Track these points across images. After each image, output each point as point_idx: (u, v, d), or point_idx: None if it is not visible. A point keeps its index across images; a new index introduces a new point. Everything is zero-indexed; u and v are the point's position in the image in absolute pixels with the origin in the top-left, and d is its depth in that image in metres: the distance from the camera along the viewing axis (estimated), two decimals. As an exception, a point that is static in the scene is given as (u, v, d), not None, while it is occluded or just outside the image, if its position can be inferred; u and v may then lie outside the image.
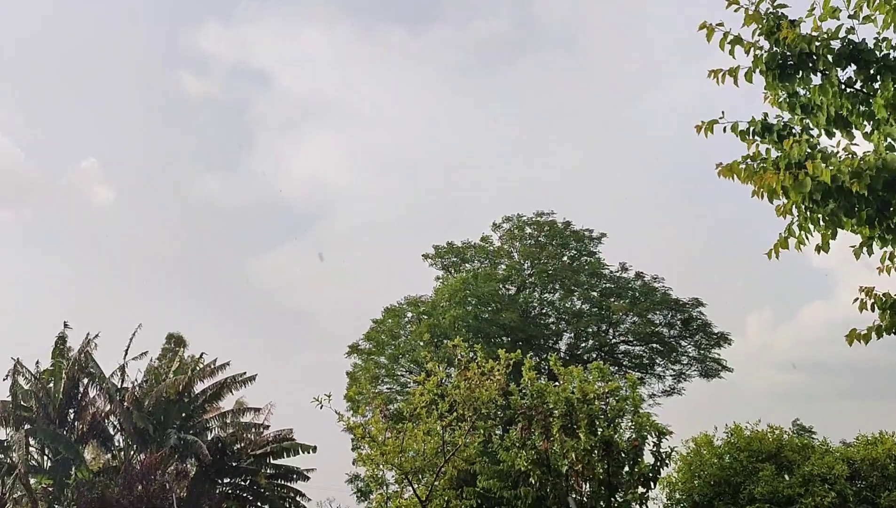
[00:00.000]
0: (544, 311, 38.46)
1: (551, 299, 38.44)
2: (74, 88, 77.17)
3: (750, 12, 7.59)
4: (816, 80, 7.57)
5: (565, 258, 38.97)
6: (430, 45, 77.38)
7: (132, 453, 34.15)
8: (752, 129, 8.01)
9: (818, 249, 7.74)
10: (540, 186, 64.88)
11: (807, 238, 7.68)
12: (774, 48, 7.51)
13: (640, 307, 37.06)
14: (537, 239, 39.12)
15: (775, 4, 7.62)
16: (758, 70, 7.61)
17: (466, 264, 39.34)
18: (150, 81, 78.29)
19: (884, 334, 8.10)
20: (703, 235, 62.81)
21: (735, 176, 7.70)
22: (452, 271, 39.39)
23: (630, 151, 69.93)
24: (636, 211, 64.55)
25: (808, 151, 7.34)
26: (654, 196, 67.16)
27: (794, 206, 7.43)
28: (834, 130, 7.65)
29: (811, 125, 7.83)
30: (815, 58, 7.40)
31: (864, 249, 7.91)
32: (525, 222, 39.45)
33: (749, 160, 7.72)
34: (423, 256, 40.04)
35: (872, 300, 8.09)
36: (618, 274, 38.55)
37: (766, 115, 8.09)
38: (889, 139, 7.38)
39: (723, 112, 8.01)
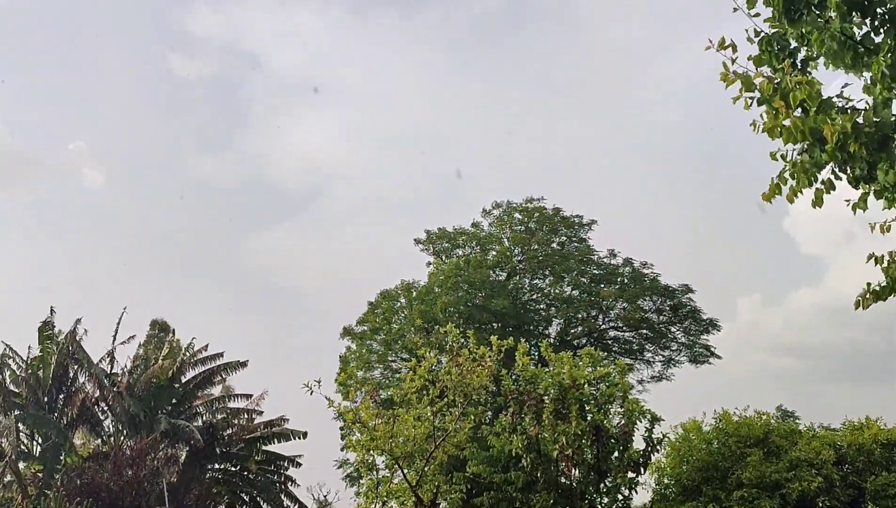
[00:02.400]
0: (535, 297, 38.57)
1: (541, 285, 38.56)
2: (63, 69, 76.52)
3: None
4: (822, 24, 7.40)
5: (555, 245, 39.06)
6: (423, 24, 77.03)
7: (122, 438, 34.12)
8: (761, 40, 7.71)
9: (813, 203, 7.63)
10: (532, 166, 64.89)
11: (801, 191, 7.56)
12: None
13: (629, 294, 37.20)
14: (527, 225, 39.19)
15: None
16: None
17: (458, 250, 39.40)
18: (140, 63, 77.74)
19: (882, 297, 8.11)
20: (693, 221, 62.96)
21: (742, 88, 7.37)
22: (444, 257, 39.43)
23: (622, 134, 69.95)
24: (627, 196, 64.70)
25: (810, 92, 7.16)
26: (645, 180, 67.27)
27: (789, 148, 7.33)
28: (836, 65, 7.51)
29: (819, 48, 7.54)
30: (822, 2, 7.27)
31: (860, 207, 7.80)
32: (515, 208, 39.51)
33: (749, 72, 7.42)
34: (414, 240, 40.11)
35: (889, 260, 8.01)
36: (607, 261, 38.67)
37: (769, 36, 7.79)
38: (887, 96, 7.26)
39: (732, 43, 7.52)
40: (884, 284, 8.20)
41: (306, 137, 74.94)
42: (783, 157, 7.40)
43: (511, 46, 73.98)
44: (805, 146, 7.15)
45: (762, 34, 7.72)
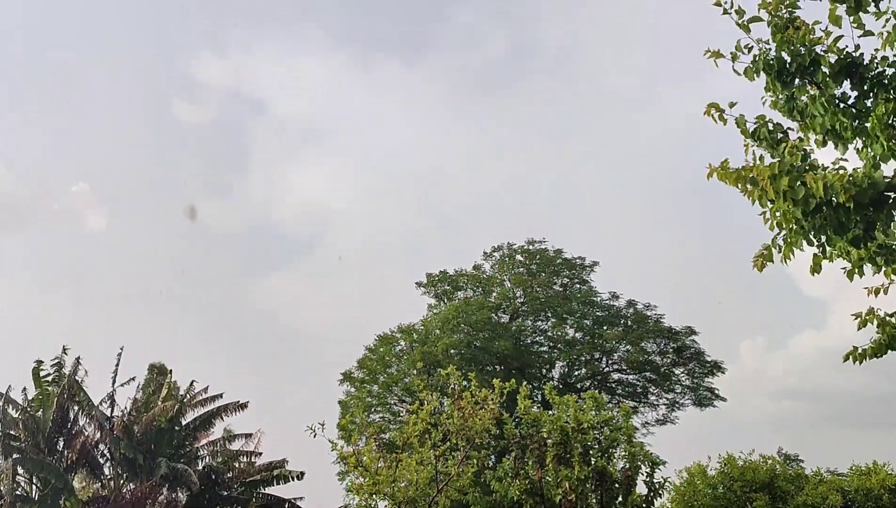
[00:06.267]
0: (537, 339, 38.47)
1: (544, 327, 38.47)
2: (67, 112, 77.27)
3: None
4: (814, 92, 7.59)
5: (557, 286, 39.05)
6: (425, 71, 77.93)
7: (122, 482, 33.80)
8: (758, 126, 7.89)
9: (812, 270, 7.69)
10: (534, 211, 65.13)
11: (792, 253, 7.60)
12: (780, 52, 7.53)
13: (632, 336, 37.08)
14: (529, 267, 39.23)
15: (787, 3, 7.62)
16: (759, 70, 7.62)
17: (459, 293, 39.39)
18: (144, 107, 78.47)
19: (877, 354, 8.14)
20: (696, 262, 62.98)
21: (727, 180, 7.52)
22: (445, 300, 39.41)
23: (623, 178, 70.31)
24: (629, 238, 64.79)
25: (801, 161, 7.29)
26: (647, 222, 67.43)
27: (783, 216, 7.41)
28: (828, 139, 7.66)
29: (808, 129, 7.77)
30: (812, 69, 7.43)
31: (857, 272, 7.88)
32: (516, 250, 39.59)
33: (743, 163, 7.58)
34: (416, 284, 40.14)
35: (877, 323, 8.11)
36: (609, 302, 38.63)
37: (763, 117, 7.99)
38: (877, 157, 7.37)
39: (730, 103, 7.81)
40: (879, 339, 8.23)
41: (308, 183, 75.45)
42: (778, 224, 7.47)
43: (512, 94, 74.83)
44: (797, 211, 7.21)
45: (757, 120, 7.88)
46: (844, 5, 7.37)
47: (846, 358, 8.35)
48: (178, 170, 77.22)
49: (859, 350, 8.36)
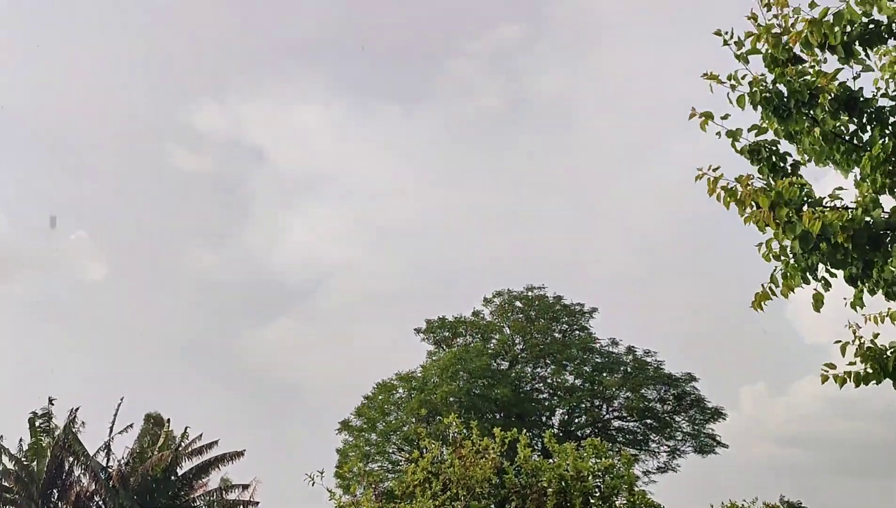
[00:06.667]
0: (537, 386, 38.25)
1: (543, 374, 38.28)
2: (66, 160, 77.76)
3: (765, 37, 7.56)
4: (810, 125, 7.54)
5: (556, 333, 38.96)
6: (423, 120, 78.65)
7: (116, 534, 33.28)
8: (752, 149, 7.82)
9: (814, 306, 7.57)
10: (532, 259, 65.15)
11: (791, 290, 7.51)
12: (777, 85, 7.51)
13: (632, 382, 36.91)
14: (528, 314, 39.17)
15: (784, 31, 7.59)
16: (757, 102, 7.59)
17: (458, 339, 39.25)
18: (144, 156, 79.02)
19: (862, 383, 7.92)
20: (695, 308, 62.88)
21: (724, 197, 7.50)
22: (444, 346, 39.26)
23: (621, 223, 70.53)
24: (628, 284, 64.75)
25: (800, 193, 7.26)
26: (645, 269, 67.47)
27: (780, 250, 7.36)
28: (825, 165, 7.63)
29: (805, 152, 7.71)
30: (811, 103, 7.40)
31: (858, 303, 7.76)
32: (515, 296, 39.57)
33: (738, 184, 7.54)
34: (415, 330, 40.00)
35: (857, 344, 7.86)
36: (609, 349, 38.54)
37: (760, 136, 7.86)
38: (875, 193, 7.34)
39: (725, 115, 7.72)
40: (865, 368, 8.03)
41: (307, 231, 75.64)
42: (775, 256, 7.44)
43: (510, 142, 75.44)
44: (795, 245, 7.18)
45: (748, 142, 7.84)
46: (836, 56, 7.45)
47: (824, 380, 7.95)
48: (177, 218, 77.52)
49: (840, 374, 7.94)
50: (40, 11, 77.26)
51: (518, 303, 39.44)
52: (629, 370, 37.72)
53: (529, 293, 39.43)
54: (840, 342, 8.00)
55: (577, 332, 39.06)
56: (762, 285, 7.69)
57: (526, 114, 77.32)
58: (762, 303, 7.74)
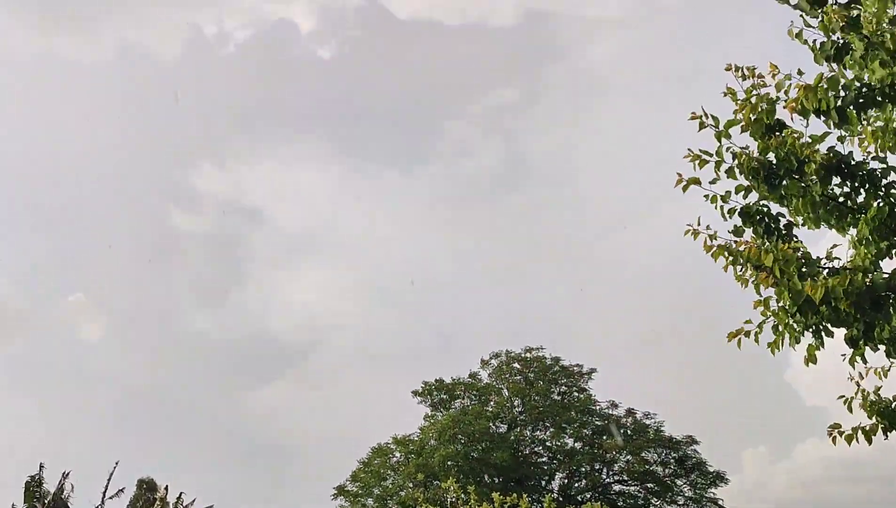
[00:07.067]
0: (536, 450, 37.77)
1: (542, 437, 37.86)
2: (63, 220, 77.95)
3: (744, 109, 7.58)
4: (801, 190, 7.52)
5: (555, 395, 38.65)
6: (421, 181, 79.24)
7: None
8: (742, 212, 7.76)
9: (806, 361, 7.51)
10: (529, 318, 64.84)
11: (779, 346, 7.41)
12: (765, 155, 7.52)
13: (633, 445, 36.48)
14: (526, 375, 38.91)
15: (766, 98, 7.63)
16: (747, 174, 7.59)
17: (456, 402, 38.89)
18: (143, 216, 79.20)
19: (872, 435, 7.79)
20: (694, 370, 62.42)
21: (722, 257, 7.44)
22: (442, 409, 38.88)
23: (619, 283, 70.49)
24: (627, 344, 64.36)
25: (798, 260, 7.22)
26: (644, 329, 67.17)
27: (780, 311, 7.26)
28: (820, 225, 7.60)
29: (798, 214, 7.67)
30: (800, 169, 7.41)
31: (859, 358, 7.65)
32: (513, 357, 39.37)
33: (732, 241, 7.51)
34: (412, 393, 39.63)
35: (861, 397, 7.80)
36: (608, 411, 38.19)
37: (750, 200, 7.81)
38: (874, 258, 7.30)
39: (713, 180, 7.69)
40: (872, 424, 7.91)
41: (304, 292, 75.55)
42: (774, 314, 7.38)
43: (507, 201, 75.87)
44: (794, 309, 7.13)
45: (738, 206, 7.83)
46: (828, 119, 7.49)
47: (830, 434, 7.82)
48: (174, 279, 77.41)
49: (848, 431, 7.82)
50: (41, 72, 78.45)
51: (516, 364, 39.18)
52: (629, 432, 37.32)
53: (527, 355, 39.21)
54: (843, 397, 7.94)
55: (577, 394, 38.74)
56: (742, 323, 7.54)
57: (523, 173, 77.94)
58: (739, 339, 7.58)
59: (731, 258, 7.47)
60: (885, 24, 6.99)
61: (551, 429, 37.60)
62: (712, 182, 7.74)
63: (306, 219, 79.48)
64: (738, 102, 7.70)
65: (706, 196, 7.76)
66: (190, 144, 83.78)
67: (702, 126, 7.77)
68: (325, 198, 79.46)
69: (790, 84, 7.55)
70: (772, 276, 7.08)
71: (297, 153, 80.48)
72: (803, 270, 7.00)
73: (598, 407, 38.15)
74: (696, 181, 7.72)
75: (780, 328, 7.37)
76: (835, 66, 7.39)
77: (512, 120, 78.59)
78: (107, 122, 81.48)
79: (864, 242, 7.16)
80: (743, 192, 7.78)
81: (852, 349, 7.34)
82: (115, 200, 79.02)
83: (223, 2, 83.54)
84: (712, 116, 7.75)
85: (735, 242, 7.52)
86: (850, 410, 7.86)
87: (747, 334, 7.57)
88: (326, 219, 79.03)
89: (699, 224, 7.62)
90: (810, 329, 7.18)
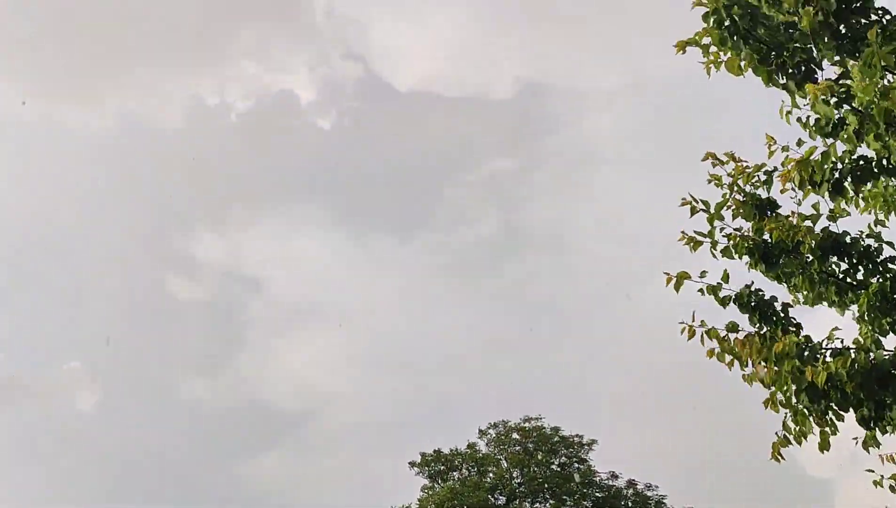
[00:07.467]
0: (535, 523, 37.07)
1: (542, 509, 37.21)
2: (59, 287, 77.94)
3: (732, 192, 7.62)
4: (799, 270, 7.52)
5: (555, 466, 38.16)
6: (419, 248, 79.62)
7: None
8: (735, 297, 7.67)
9: (820, 447, 7.34)
10: (528, 386, 64.37)
11: (804, 437, 7.31)
12: (760, 236, 7.53)
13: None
14: (525, 445, 38.49)
15: (754, 182, 7.68)
16: (742, 254, 7.58)
17: (454, 473, 38.33)
18: (141, 284, 79.17)
19: None
20: (694, 440, 61.64)
21: (719, 352, 7.35)
22: (439, 481, 38.28)
23: (617, 351, 70.17)
24: (626, 413, 63.66)
25: (799, 344, 7.13)
26: (644, 399, 66.60)
27: (787, 402, 7.16)
28: (820, 303, 7.55)
29: (797, 291, 7.64)
30: (797, 248, 7.40)
31: (871, 443, 7.53)
32: (512, 427, 38.98)
33: (729, 333, 7.40)
34: (409, 464, 39.07)
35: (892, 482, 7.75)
36: (609, 482, 37.67)
37: (751, 284, 7.77)
38: (876, 335, 7.21)
39: (702, 273, 7.66)
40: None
41: (302, 360, 75.24)
42: (782, 404, 7.26)
43: (506, 269, 76.14)
44: (803, 398, 7.02)
45: (732, 293, 7.76)
46: (822, 195, 7.47)
47: None
48: (171, 347, 76.99)
49: None
50: (41, 139, 79.42)
51: (515, 434, 38.77)
52: (630, 504, 36.74)
53: (526, 425, 38.83)
54: (872, 472, 7.89)
55: (577, 465, 38.24)
56: (776, 433, 7.46)
57: (521, 241, 78.38)
58: (779, 452, 7.50)
59: (730, 360, 7.35)
60: (875, 98, 7.01)
61: (551, 501, 37.05)
62: (702, 276, 7.64)
63: (304, 287, 79.50)
64: (724, 186, 7.75)
65: (700, 290, 7.66)
66: (189, 213, 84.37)
67: (693, 211, 7.78)
68: (323, 266, 79.65)
69: (787, 156, 7.58)
70: (773, 370, 6.95)
71: (296, 221, 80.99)
72: (805, 354, 6.89)
73: (598, 479, 37.63)
74: (687, 276, 7.61)
75: (796, 419, 7.25)
76: (829, 140, 7.42)
77: (510, 187, 79.41)
78: (106, 189, 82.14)
79: (866, 318, 7.08)
80: (726, 279, 7.68)
81: (865, 431, 7.20)
82: (112, 267, 79.12)
83: (225, 73, 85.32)
84: (702, 201, 7.76)
85: (735, 338, 7.38)
86: (877, 486, 7.78)
87: (786, 441, 7.44)
88: (324, 287, 79.07)
89: (693, 320, 7.48)
90: (821, 416, 7.04)
